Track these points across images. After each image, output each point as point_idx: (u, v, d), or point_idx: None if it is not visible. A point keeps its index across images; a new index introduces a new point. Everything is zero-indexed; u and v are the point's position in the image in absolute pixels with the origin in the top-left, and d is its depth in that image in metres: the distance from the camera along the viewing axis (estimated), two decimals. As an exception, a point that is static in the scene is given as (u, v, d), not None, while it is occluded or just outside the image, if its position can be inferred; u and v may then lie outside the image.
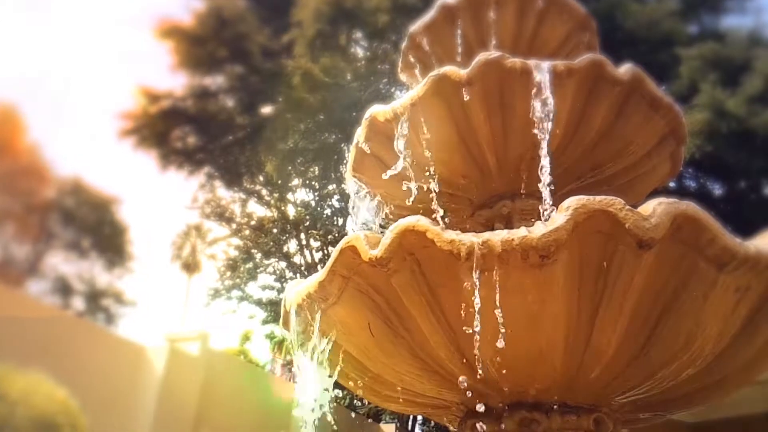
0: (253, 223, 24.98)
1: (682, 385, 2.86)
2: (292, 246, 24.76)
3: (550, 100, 3.23)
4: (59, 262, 27.94)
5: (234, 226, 25.37)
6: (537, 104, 3.26)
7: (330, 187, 23.28)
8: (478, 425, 2.98)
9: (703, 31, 19.48)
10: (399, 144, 3.57)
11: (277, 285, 24.35)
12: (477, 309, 2.38)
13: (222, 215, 25.24)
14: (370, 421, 20.79)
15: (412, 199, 3.59)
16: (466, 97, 3.38)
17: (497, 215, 3.77)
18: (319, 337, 2.97)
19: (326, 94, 19.57)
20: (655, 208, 2.35)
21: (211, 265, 27.99)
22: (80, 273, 28.85)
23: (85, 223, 27.92)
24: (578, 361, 2.64)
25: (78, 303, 29.05)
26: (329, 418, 2.99)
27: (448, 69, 3.40)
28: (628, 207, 2.34)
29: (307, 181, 23.91)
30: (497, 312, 2.39)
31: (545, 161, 3.14)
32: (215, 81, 22.17)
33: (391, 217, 4.08)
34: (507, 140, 3.54)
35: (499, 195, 3.78)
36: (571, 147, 3.56)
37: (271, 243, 24.27)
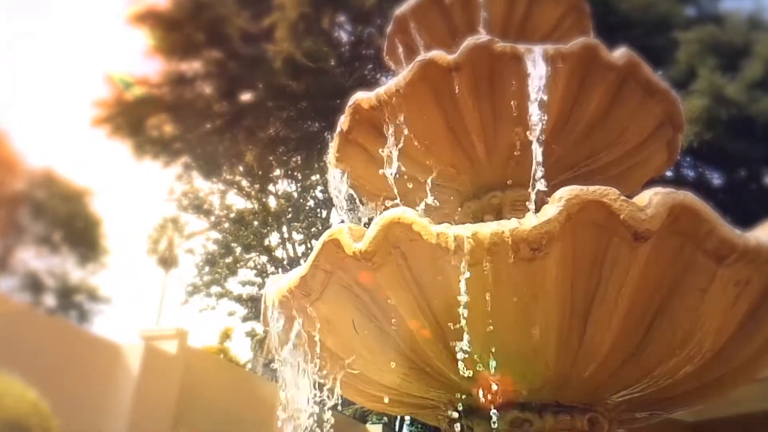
0: (232, 215, 24.99)
1: (680, 383, 2.87)
2: (273, 239, 24.80)
3: (542, 86, 3.23)
4: (29, 257, 27.77)
5: (213, 218, 25.38)
6: (528, 90, 3.26)
7: (313, 178, 23.32)
8: (467, 426, 2.98)
9: (702, 14, 19.51)
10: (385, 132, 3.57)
11: (258, 280, 24.39)
12: (465, 304, 2.37)
13: (200, 207, 25.24)
14: (356, 421, 20.82)
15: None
16: (454, 83, 3.38)
17: (487, 206, 3.76)
18: (301, 334, 2.96)
19: (309, 80, 19.54)
20: (651, 198, 2.36)
21: (188, 259, 27.96)
22: (51, 268, 28.68)
23: (56, 216, 27.76)
24: (572, 359, 2.64)
25: (49, 300, 28.90)
26: (313, 419, 2.98)
27: (436, 54, 3.39)
28: (623, 197, 2.34)
29: (289, 172, 23.93)
30: (487, 308, 2.39)
31: (537, 150, 3.14)
32: (192, 67, 22.09)
33: (375, 208, 4.07)
34: (497, 128, 3.53)
35: (489, 185, 3.78)
36: (563, 135, 3.56)
37: (252, 236, 24.29)
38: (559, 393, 2.81)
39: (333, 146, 3.95)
